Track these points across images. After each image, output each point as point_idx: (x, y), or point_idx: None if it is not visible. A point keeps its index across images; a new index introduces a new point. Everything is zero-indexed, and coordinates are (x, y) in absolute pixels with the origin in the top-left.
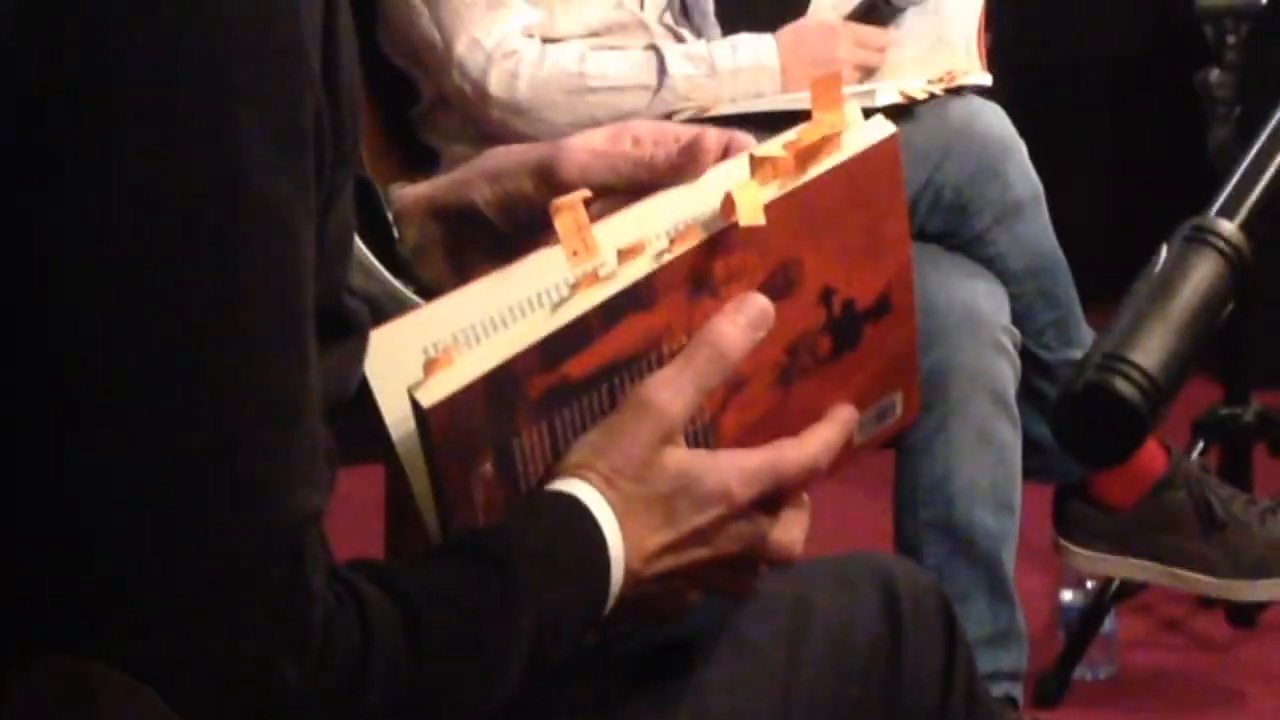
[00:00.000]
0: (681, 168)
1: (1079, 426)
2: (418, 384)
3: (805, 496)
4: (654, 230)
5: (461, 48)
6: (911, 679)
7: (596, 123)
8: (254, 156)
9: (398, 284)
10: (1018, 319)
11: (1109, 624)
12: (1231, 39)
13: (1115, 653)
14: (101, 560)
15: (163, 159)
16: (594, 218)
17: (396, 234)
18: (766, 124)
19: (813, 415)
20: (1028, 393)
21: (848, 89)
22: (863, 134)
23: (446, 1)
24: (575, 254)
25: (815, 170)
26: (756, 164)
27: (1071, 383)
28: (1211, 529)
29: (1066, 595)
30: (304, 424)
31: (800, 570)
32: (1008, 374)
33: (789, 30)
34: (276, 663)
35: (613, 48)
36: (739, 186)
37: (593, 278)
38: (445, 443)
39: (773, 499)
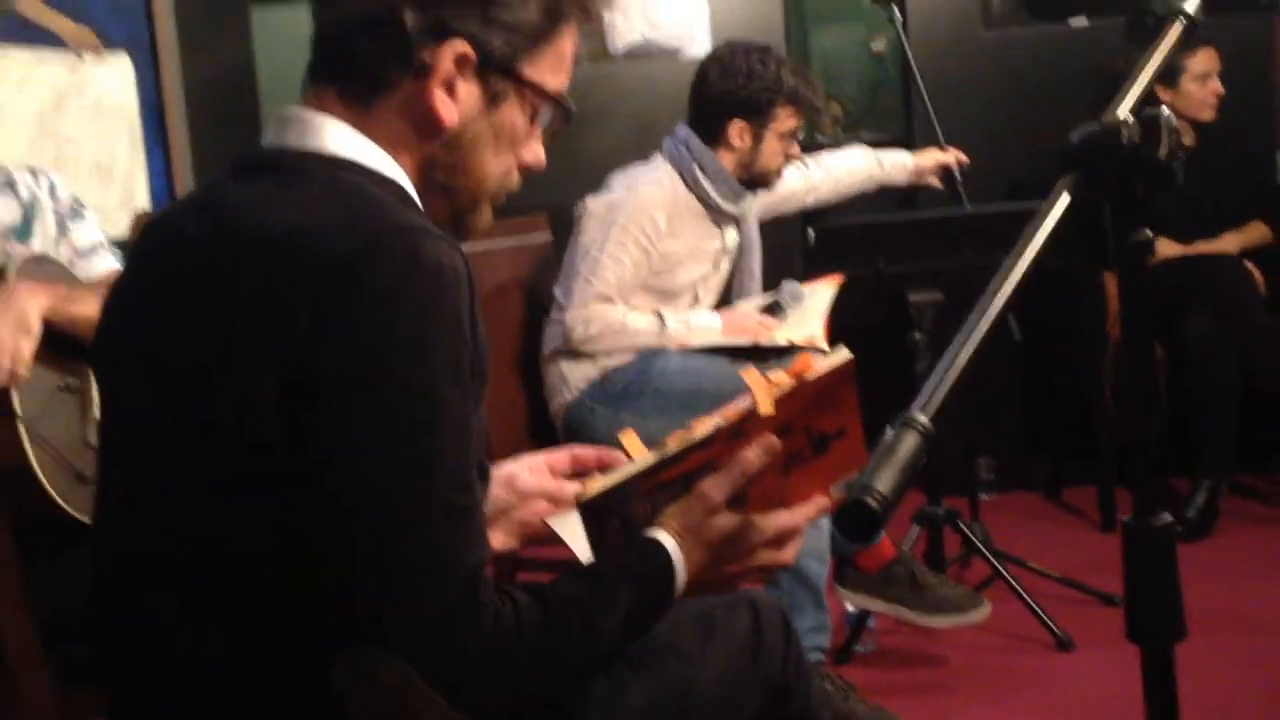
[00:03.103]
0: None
1: (849, 519)
2: (581, 491)
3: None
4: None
5: (575, 312)
6: (767, 655)
7: (623, 346)
8: (443, 385)
9: None
10: None
11: (871, 622)
12: (928, 318)
13: (874, 637)
14: (376, 593)
15: (395, 387)
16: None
17: None
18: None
19: (803, 489)
20: None
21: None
22: (833, 357)
23: (587, 286)
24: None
25: (806, 379)
26: (772, 383)
27: (847, 497)
28: (915, 587)
29: (849, 607)
30: (473, 517)
31: (706, 600)
32: None
33: (726, 312)
34: (465, 640)
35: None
36: (760, 394)
37: (678, 438)
38: (591, 517)
39: (776, 539)
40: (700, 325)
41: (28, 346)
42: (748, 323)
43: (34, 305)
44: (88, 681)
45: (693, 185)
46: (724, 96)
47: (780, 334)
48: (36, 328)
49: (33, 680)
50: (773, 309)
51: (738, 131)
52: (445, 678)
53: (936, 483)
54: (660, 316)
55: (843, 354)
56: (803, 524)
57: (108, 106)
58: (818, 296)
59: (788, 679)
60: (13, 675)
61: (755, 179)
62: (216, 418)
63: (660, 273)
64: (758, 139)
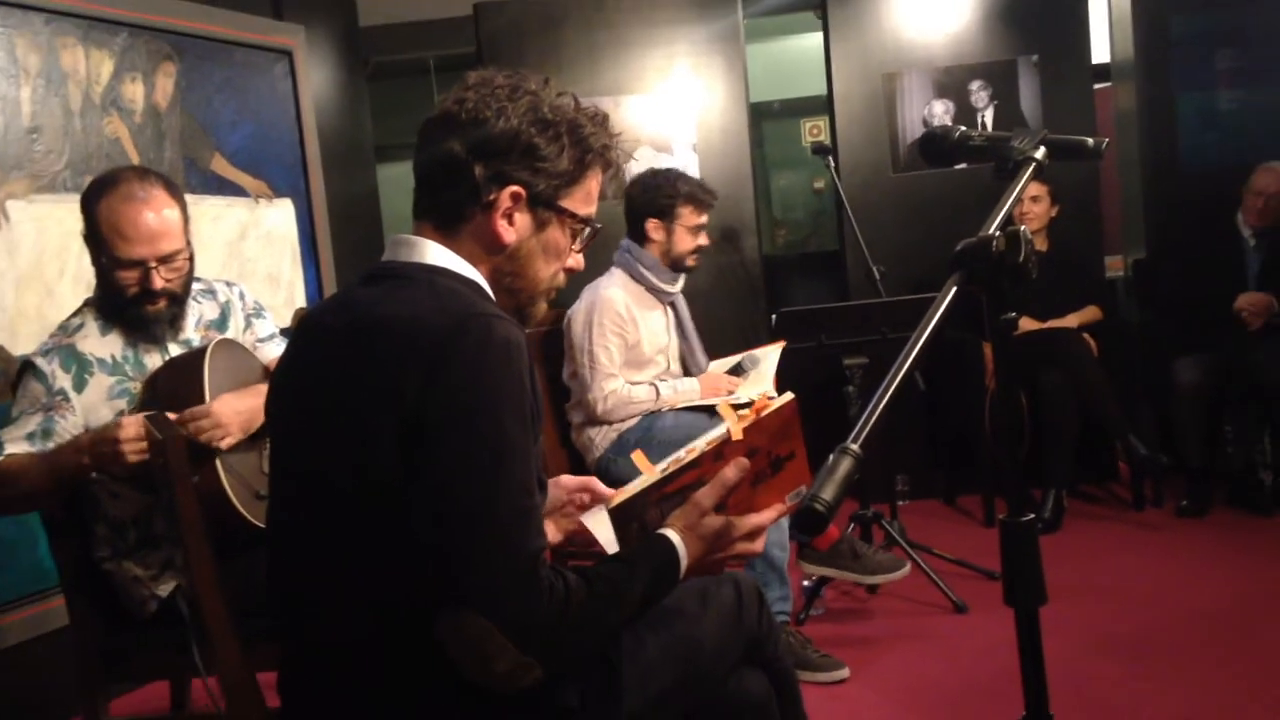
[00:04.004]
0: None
1: (804, 520)
2: (608, 499)
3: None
4: (701, 441)
5: (595, 393)
6: (746, 616)
7: (632, 413)
8: (510, 424)
9: None
10: None
11: (821, 591)
12: (857, 376)
13: (824, 604)
14: (465, 569)
15: (478, 424)
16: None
17: None
18: (699, 408)
19: (767, 499)
20: None
21: (730, 398)
22: (782, 398)
23: (594, 373)
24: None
25: (763, 414)
26: (740, 417)
27: (802, 503)
28: (856, 557)
29: (806, 583)
30: (535, 518)
31: (701, 579)
32: None
33: (702, 376)
34: (529, 604)
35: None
36: (731, 423)
37: (676, 461)
38: (617, 520)
39: (749, 534)
40: (685, 389)
41: (235, 440)
42: (720, 384)
43: (262, 409)
44: (265, 641)
45: (638, 277)
46: (640, 204)
47: (742, 392)
48: (255, 427)
49: (226, 645)
50: (736, 370)
51: (654, 228)
52: (515, 632)
53: (866, 493)
54: (655, 387)
55: (788, 396)
56: (768, 524)
57: (276, 236)
58: (768, 360)
59: (762, 634)
60: (212, 641)
61: (675, 263)
62: (349, 452)
63: (633, 346)
64: (669, 232)
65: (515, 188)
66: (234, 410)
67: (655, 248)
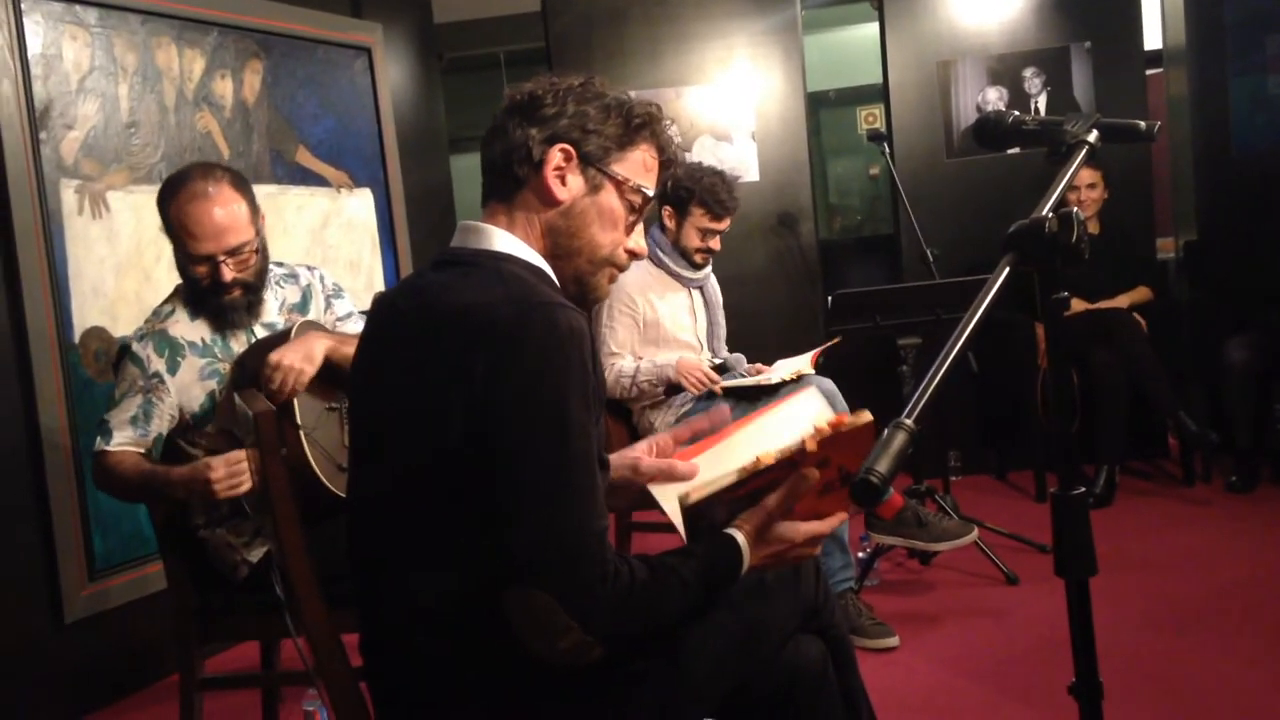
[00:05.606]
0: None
1: (859, 491)
2: (685, 494)
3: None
4: (773, 445)
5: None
6: (804, 585)
7: (631, 387)
8: (574, 408)
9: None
10: None
11: (875, 563)
12: (910, 355)
13: (879, 573)
14: (531, 546)
15: (544, 409)
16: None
17: None
18: (755, 395)
19: (831, 506)
20: None
21: (762, 377)
22: (860, 416)
23: (602, 351)
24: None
25: (839, 430)
26: (817, 430)
27: (859, 478)
28: (921, 525)
29: (861, 554)
30: (597, 497)
31: None
32: None
33: (681, 359)
34: (593, 584)
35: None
36: (807, 437)
37: (753, 464)
38: (687, 515)
39: (809, 541)
40: (660, 362)
41: (309, 372)
42: (696, 372)
43: (320, 345)
44: (346, 606)
45: (659, 263)
46: (664, 190)
47: (777, 374)
48: (319, 360)
49: (311, 607)
50: (721, 369)
51: (668, 215)
52: (579, 611)
53: (920, 468)
54: (639, 362)
55: (866, 416)
56: (827, 531)
57: (357, 223)
58: (806, 355)
59: (818, 602)
60: (299, 604)
61: (681, 253)
62: (421, 430)
63: (650, 324)
64: (679, 225)
65: (564, 145)
66: (290, 351)
67: (670, 234)
